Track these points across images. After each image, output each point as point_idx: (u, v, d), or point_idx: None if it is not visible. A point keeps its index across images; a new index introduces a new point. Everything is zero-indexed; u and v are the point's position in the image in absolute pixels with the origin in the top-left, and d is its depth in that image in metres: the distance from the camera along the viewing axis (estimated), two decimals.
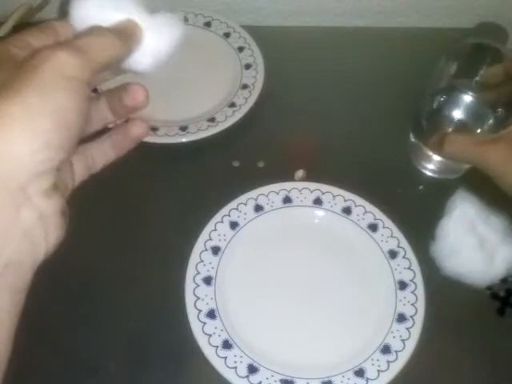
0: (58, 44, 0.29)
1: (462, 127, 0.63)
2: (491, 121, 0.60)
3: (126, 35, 0.32)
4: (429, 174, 0.64)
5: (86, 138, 0.35)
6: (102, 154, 0.36)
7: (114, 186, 0.62)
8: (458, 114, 0.62)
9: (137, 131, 0.36)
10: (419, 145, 0.63)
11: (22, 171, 0.26)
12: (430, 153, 0.62)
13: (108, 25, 0.32)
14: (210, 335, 0.51)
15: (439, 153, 0.53)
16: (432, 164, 0.63)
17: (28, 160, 0.26)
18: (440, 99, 0.63)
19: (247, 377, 0.49)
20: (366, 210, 0.59)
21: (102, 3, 0.33)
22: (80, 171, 0.35)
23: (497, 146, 0.45)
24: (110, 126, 0.37)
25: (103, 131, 0.36)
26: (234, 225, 0.58)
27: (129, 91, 0.34)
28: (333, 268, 0.57)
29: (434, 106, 0.63)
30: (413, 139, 0.65)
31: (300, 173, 0.63)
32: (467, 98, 0.60)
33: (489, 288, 0.55)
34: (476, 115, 0.62)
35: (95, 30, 0.31)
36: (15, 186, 0.26)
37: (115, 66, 0.32)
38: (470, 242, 0.54)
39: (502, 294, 0.55)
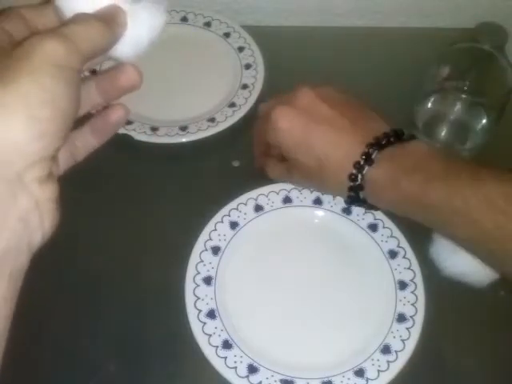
0: (45, 32, 0.28)
1: (456, 128, 0.64)
2: (484, 121, 0.61)
3: (111, 21, 0.32)
4: None
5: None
6: (85, 140, 0.36)
7: (113, 186, 0.62)
8: (451, 114, 0.63)
9: (116, 115, 0.36)
10: None
11: (19, 159, 0.26)
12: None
13: (92, 10, 0.32)
14: (210, 335, 0.51)
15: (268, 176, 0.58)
16: None
17: (25, 148, 0.26)
18: (432, 101, 0.63)
19: (247, 377, 0.49)
20: (365, 210, 0.59)
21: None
22: (64, 159, 0.34)
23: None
24: (93, 111, 0.36)
25: (85, 117, 0.36)
26: (233, 225, 0.58)
27: (123, 71, 0.34)
28: (333, 268, 0.57)
29: (429, 105, 0.64)
30: None
31: None
32: (459, 100, 0.61)
33: None
34: (470, 115, 0.62)
35: (80, 18, 0.31)
36: (12, 174, 0.26)
37: (102, 53, 0.32)
38: None
39: None
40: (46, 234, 0.29)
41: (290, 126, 0.51)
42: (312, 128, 0.50)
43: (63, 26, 0.30)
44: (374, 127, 0.50)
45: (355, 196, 0.51)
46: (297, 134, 0.51)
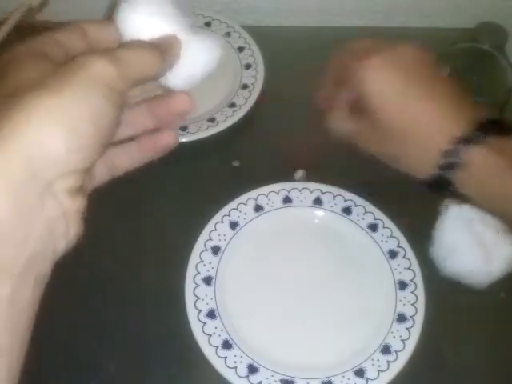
0: (99, 52, 0.29)
1: None
2: None
3: (166, 51, 0.32)
4: None
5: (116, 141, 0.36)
6: (127, 158, 0.36)
7: (113, 186, 0.62)
8: None
9: (165, 140, 0.36)
10: None
11: (52, 168, 0.27)
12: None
13: (150, 36, 0.32)
14: (210, 335, 0.51)
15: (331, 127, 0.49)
16: None
17: (62, 158, 0.27)
18: None
19: (247, 377, 0.49)
20: (366, 210, 0.59)
21: (149, 11, 0.33)
22: (101, 173, 0.35)
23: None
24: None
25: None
26: (233, 225, 0.58)
27: (176, 98, 0.35)
28: (333, 268, 0.57)
29: None
30: None
31: (300, 173, 0.63)
32: None
33: None
34: None
35: (136, 44, 0.32)
36: (44, 180, 0.26)
37: (152, 80, 0.33)
38: (467, 242, 0.54)
39: None
40: (69, 242, 0.29)
41: (386, 79, 0.44)
42: (411, 89, 0.44)
43: (118, 48, 0.31)
44: (476, 109, 0.44)
45: (441, 176, 0.43)
46: (392, 90, 0.44)
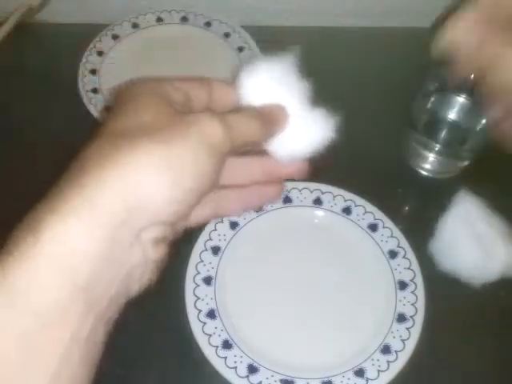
0: (214, 113, 0.30)
1: (456, 128, 0.63)
2: (484, 121, 0.61)
3: (271, 122, 0.33)
4: (424, 173, 0.64)
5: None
6: (232, 203, 0.37)
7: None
8: (451, 114, 0.63)
9: (271, 193, 0.37)
10: (414, 145, 0.63)
11: (147, 216, 0.27)
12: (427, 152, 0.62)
13: (266, 99, 0.34)
14: (210, 335, 0.51)
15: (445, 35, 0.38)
16: (428, 164, 0.63)
17: (160, 208, 0.28)
18: (432, 101, 0.63)
19: (247, 377, 0.49)
20: (365, 210, 0.59)
21: (270, 80, 0.34)
22: (205, 213, 0.35)
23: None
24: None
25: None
26: (233, 225, 0.58)
27: (292, 166, 0.36)
28: (333, 268, 0.57)
29: (428, 106, 0.64)
30: (409, 139, 0.65)
31: None
32: (460, 99, 0.61)
33: None
34: (469, 116, 0.62)
35: (248, 112, 0.33)
36: (136, 227, 0.27)
37: (253, 146, 0.34)
38: (467, 239, 0.54)
39: None
40: (141, 287, 0.30)
41: None
42: None
43: (231, 112, 0.32)
44: None
45: None
46: None
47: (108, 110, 0.66)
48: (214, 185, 0.31)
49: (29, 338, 0.25)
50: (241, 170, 0.36)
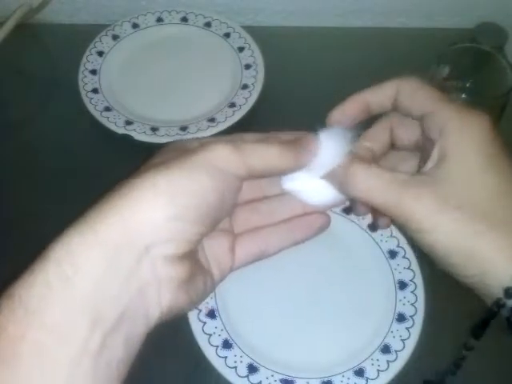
0: (230, 141, 0.31)
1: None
2: None
3: (298, 150, 0.34)
4: None
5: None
6: (278, 240, 0.37)
7: (113, 186, 0.62)
8: None
9: (319, 222, 0.37)
10: None
11: (151, 232, 0.28)
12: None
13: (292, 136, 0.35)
14: (210, 335, 0.51)
15: (342, 190, 0.35)
16: None
17: (159, 224, 0.28)
18: None
19: (247, 376, 0.49)
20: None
21: (336, 146, 0.36)
22: (252, 254, 0.36)
23: (421, 194, 0.33)
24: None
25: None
26: None
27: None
28: (332, 268, 0.57)
29: None
30: None
31: None
32: (459, 101, 0.61)
33: None
34: None
35: (266, 140, 0.34)
36: (141, 244, 0.28)
37: (271, 176, 0.34)
38: None
39: None
40: (164, 312, 0.29)
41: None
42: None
43: (247, 140, 0.34)
44: None
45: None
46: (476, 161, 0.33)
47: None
48: (225, 205, 0.31)
49: (41, 350, 0.26)
50: (281, 206, 0.37)
